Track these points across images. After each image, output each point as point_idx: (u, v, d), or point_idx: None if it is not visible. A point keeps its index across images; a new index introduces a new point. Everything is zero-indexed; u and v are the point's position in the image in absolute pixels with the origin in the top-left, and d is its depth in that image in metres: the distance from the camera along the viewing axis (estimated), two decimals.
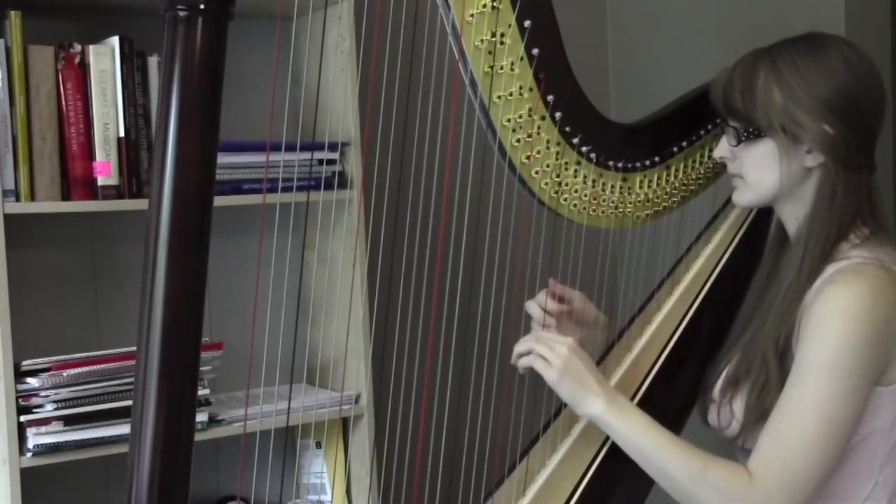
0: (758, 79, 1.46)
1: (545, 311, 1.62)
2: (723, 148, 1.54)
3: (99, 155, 1.80)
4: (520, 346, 1.52)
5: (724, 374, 1.53)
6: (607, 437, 1.52)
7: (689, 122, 1.62)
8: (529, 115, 1.49)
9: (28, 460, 1.71)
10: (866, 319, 1.36)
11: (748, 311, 1.56)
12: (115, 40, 1.82)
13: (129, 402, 1.73)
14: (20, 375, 1.72)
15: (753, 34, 2.30)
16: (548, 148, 1.52)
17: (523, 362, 1.51)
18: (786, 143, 1.46)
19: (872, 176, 1.50)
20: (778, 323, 1.45)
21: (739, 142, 1.49)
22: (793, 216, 1.52)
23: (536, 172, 1.52)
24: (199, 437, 1.82)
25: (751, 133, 1.48)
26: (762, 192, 1.52)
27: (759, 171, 1.49)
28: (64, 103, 1.78)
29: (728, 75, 1.51)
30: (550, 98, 1.49)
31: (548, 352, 1.47)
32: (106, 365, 1.77)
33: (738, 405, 1.49)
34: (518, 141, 1.49)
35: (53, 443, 1.72)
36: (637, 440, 1.44)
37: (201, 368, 1.79)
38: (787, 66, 1.45)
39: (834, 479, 1.42)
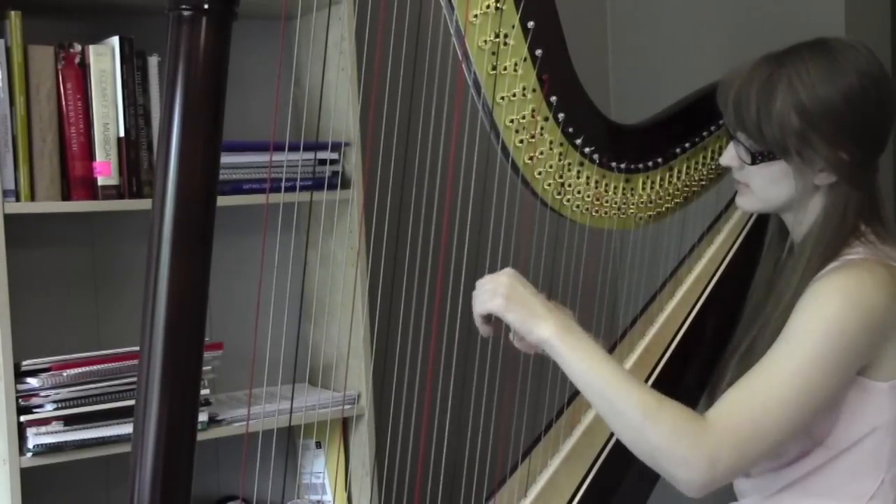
0: (775, 101, 1.41)
1: None
2: (730, 157, 1.51)
3: (99, 155, 1.80)
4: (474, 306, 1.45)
5: (729, 374, 1.52)
6: (610, 437, 1.52)
7: (692, 123, 1.62)
8: (532, 116, 1.49)
9: (28, 460, 1.71)
10: (862, 304, 1.36)
11: (752, 310, 1.55)
12: (115, 40, 1.81)
13: (130, 402, 1.73)
14: (20, 375, 1.72)
15: (754, 34, 2.31)
16: (551, 149, 1.52)
17: (478, 309, 1.44)
18: (799, 165, 1.44)
19: (875, 177, 1.49)
20: (773, 338, 1.42)
21: (754, 162, 1.47)
22: (796, 222, 1.51)
23: (539, 173, 1.52)
24: (198, 437, 1.81)
25: (766, 156, 1.45)
26: (769, 204, 1.51)
27: (770, 186, 1.48)
28: (64, 103, 1.77)
29: (740, 87, 1.45)
30: (553, 99, 1.49)
31: (490, 284, 1.43)
32: (106, 365, 1.77)
33: None
34: (521, 142, 1.49)
35: (53, 443, 1.72)
36: (588, 367, 1.37)
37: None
38: (805, 89, 1.40)
39: (836, 478, 1.42)
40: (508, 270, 1.44)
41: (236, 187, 1.92)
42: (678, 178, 1.65)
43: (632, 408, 1.35)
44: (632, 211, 1.62)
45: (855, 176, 1.43)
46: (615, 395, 1.36)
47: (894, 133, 1.50)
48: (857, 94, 1.41)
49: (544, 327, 1.39)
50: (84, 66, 1.79)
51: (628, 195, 1.60)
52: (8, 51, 1.72)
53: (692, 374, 1.61)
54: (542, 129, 1.50)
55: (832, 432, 1.40)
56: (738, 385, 1.38)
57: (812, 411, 1.36)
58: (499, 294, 1.41)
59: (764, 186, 1.49)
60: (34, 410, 1.71)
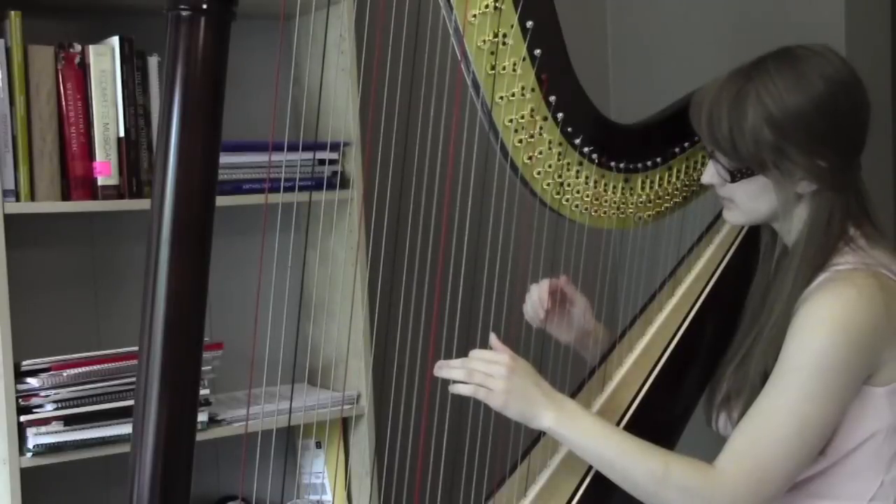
0: (746, 117, 1.41)
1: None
2: (711, 175, 1.51)
3: (99, 155, 1.80)
4: (452, 373, 1.45)
5: (725, 384, 1.52)
6: None
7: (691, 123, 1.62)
8: (531, 116, 1.49)
9: (28, 460, 1.71)
10: (851, 328, 1.36)
11: (749, 319, 1.55)
12: (115, 40, 1.82)
13: (129, 402, 1.73)
14: (20, 375, 1.72)
15: (753, 34, 2.31)
16: (550, 148, 1.52)
17: (463, 391, 1.44)
18: (778, 177, 1.44)
19: (858, 177, 1.49)
20: (767, 349, 1.44)
21: (734, 180, 1.47)
22: (786, 230, 1.51)
23: (538, 173, 1.53)
24: (198, 437, 1.81)
25: (744, 173, 1.45)
26: (755, 216, 1.52)
27: (752, 201, 1.48)
28: (64, 103, 1.78)
29: (710, 107, 1.44)
30: (552, 99, 1.49)
31: (486, 379, 1.43)
32: (106, 365, 1.77)
33: (734, 419, 1.48)
34: (520, 141, 1.49)
35: (53, 443, 1.72)
36: (594, 447, 1.42)
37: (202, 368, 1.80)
38: (774, 101, 1.40)
39: (836, 481, 1.43)
40: (505, 359, 1.43)
41: (236, 187, 1.92)
42: (677, 177, 1.65)
43: (642, 477, 1.40)
44: (631, 210, 1.62)
45: (836, 181, 1.43)
46: (623, 468, 1.41)
47: (893, 136, 1.50)
48: (825, 101, 1.40)
49: (544, 417, 1.43)
50: (84, 66, 1.79)
51: (627, 195, 1.60)
52: (8, 51, 1.73)
53: (692, 375, 1.61)
54: (540, 128, 1.50)
55: (833, 441, 1.41)
56: (741, 429, 1.40)
57: (819, 439, 1.38)
58: (499, 390, 1.42)
59: (747, 201, 1.49)
60: (34, 410, 1.72)
